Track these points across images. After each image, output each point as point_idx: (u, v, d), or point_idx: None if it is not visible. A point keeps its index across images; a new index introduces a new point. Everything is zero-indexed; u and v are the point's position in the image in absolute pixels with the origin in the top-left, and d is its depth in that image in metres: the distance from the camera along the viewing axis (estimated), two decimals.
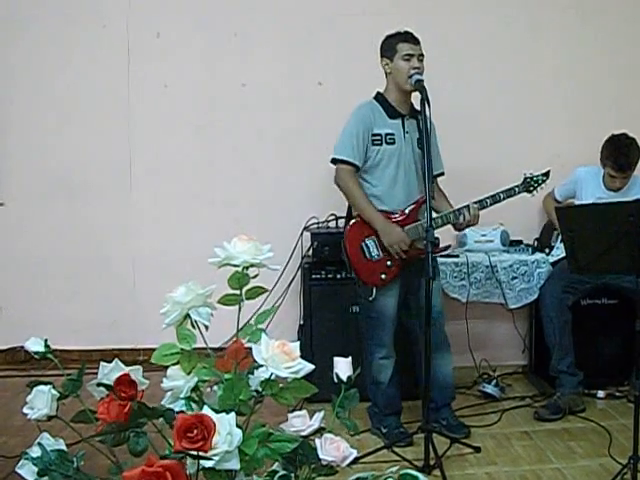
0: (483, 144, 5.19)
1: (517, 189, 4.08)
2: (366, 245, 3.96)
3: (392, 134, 4.00)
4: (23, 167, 5.25)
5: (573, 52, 5.28)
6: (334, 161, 4.01)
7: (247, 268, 1.95)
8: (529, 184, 4.10)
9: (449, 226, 4.06)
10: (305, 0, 5.18)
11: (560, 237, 4.71)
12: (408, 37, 3.95)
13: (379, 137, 3.98)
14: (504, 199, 4.04)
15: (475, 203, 3.98)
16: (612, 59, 5.27)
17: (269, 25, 5.18)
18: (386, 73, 4.03)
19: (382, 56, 4.02)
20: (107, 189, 5.25)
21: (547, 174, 4.13)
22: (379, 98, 4.08)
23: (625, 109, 5.22)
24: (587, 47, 5.28)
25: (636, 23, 5.30)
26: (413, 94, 3.99)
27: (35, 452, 1.82)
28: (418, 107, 3.96)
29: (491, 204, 4.02)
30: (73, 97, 5.21)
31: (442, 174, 4.20)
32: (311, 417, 1.93)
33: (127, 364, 1.96)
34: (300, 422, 1.91)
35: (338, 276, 4.56)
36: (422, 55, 3.95)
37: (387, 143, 3.98)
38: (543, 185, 4.13)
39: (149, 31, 5.17)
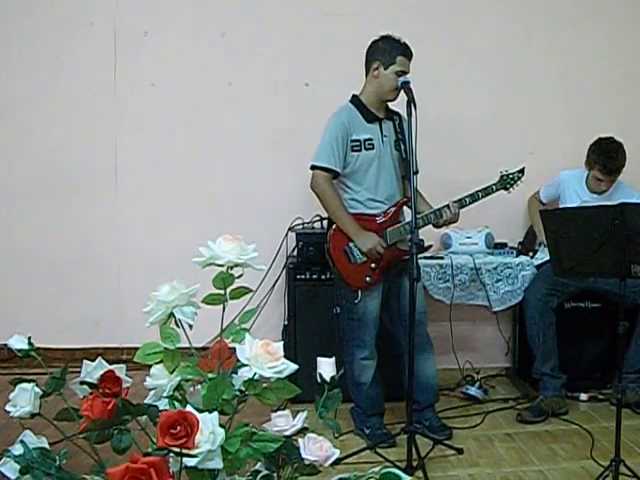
0: (462, 146, 5.25)
1: (494, 187, 4.09)
2: (349, 248, 3.95)
3: (371, 139, 3.99)
4: (8, 165, 5.23)
5: (557, 54, 5.35)
6: (312, 167, 4.00)
7: (232, 268, 1.95)
8: (505, 181, 4.11)
9: (431, 227, 4.08)
10: (292, 1, 5.19)
11: (540, 243, 4.76)
12: (408, 52, 3.92)
13: (358, 143, 3.97)
14: (483, 197, 4.05)
15: (455, 202, 4.00)
16: (596, 62, 5.35)
17: (256, 25, 5.17)
18: (371, 74, 3.99)
19: (374, 59, 3.95)
20: (93, 188, 5.23)
21: (522, 171, 4.13)
22: (356, 102, 4.05)
23: (606, 107, 5.33)
24: (573, 50, 5.35)
25: (622, 29, 5.36)
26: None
27: (17, 450, 1.82)
28: (397, 109, 4.01)
29: (470, 202, 4.03)
30: (59, 95, 5.18)
31: (417, 172, 4.16)
32: (294, 417, 1.93)
33: (110, 363, 1.96)
34: (283, 422, 1.91)
35: (323, 277, 4.54)
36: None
37: (366, 149, 3.97)
38: (519, 182, 4.13)
39: (136, 30, 5.16)
